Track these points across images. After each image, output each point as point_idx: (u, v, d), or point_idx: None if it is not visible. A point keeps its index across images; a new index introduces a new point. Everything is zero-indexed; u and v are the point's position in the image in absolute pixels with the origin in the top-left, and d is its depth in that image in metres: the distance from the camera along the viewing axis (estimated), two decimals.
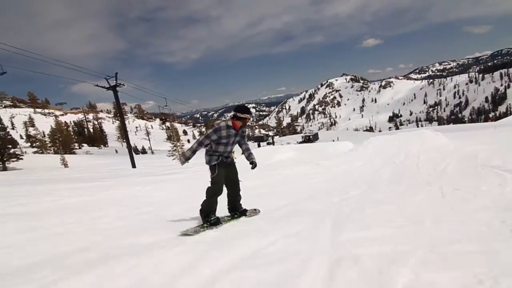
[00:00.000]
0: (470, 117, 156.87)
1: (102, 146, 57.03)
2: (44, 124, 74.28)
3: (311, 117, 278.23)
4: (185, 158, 3.33)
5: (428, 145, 9.10)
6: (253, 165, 3.59)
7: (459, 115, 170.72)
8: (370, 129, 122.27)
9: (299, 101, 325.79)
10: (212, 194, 3.31)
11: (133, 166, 17.38)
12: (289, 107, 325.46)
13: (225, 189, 3.50)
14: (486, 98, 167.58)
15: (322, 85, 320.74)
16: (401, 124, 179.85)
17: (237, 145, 3.61)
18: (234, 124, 3.37)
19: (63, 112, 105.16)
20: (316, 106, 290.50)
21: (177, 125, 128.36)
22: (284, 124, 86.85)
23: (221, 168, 3.34)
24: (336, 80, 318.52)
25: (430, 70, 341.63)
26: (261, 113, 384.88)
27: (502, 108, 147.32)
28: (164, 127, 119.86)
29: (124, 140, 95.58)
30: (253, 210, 3.81)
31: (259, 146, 44.87)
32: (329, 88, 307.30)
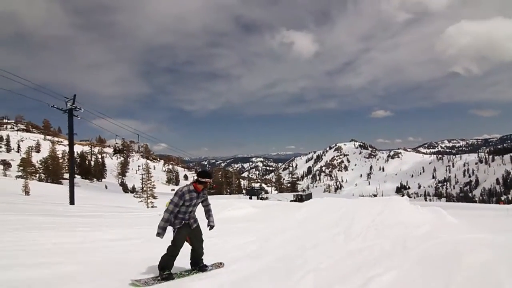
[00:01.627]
0: (480, 197, 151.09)
1: (95, 179, 56.21)
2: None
3: (317, 178, 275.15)
4: (163, 229, 3.57)
5: (388, 220, 6.46)
6: (211, 227, 4.04)
7: (469, 194, 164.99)
8: (374, 197, 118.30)
9: (307, 161, 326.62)
10: (170, 254, 3.62)
11: (71, 202, 15.79)
12: (296, 165, 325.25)
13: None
14: (497, 180, 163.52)
15: (330, 148, 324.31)
16: (409, 196, 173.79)
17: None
18: (196, 187, 3.73)
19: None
20: (323, 168, 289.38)
21: (179, 168, 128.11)
22: (284, 181, 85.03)
23: (183, 230, 3.69)
24: (345, 144, 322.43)
25: (439, 146, 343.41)
26: (267, 168, 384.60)
27: None
28: (166, 170, 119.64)
29: (122, 177, 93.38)
30: (218, 264, 4.14)
31: (250, 198, 43.73)
32: (337, 152, 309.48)
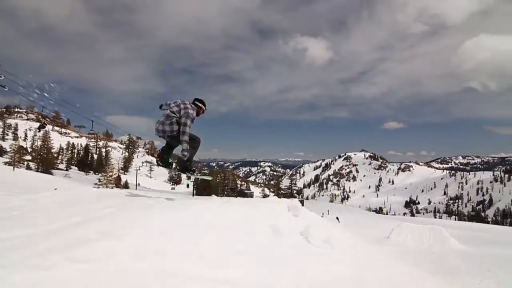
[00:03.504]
0: (494, 218, 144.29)
1: (91, 172, 56.25)
2: (56, 142, 76.43)
3: (324, 186, 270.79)
4: (189, 146, 4.37)
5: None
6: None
7: (482, 213, 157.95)
8: (380, 210, 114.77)
9: (315, 168, 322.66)
10: (191, 156, 4.74)
11: None
12: (304, 172, 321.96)
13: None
14: None
15: (340, 156, 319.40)
16: (418, 212, 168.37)
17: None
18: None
19: (78, 135, 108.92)
20: (331, 177, 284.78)
21: None
22: (282, 186, 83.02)
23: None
24: (355, 154, 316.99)
25: (452, 162, 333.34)
26: (275, 173, 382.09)
27: None
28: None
29: (124, 172, 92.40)
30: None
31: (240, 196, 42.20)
32: (347, 161, 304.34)
